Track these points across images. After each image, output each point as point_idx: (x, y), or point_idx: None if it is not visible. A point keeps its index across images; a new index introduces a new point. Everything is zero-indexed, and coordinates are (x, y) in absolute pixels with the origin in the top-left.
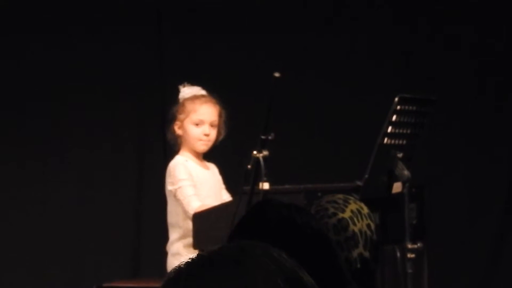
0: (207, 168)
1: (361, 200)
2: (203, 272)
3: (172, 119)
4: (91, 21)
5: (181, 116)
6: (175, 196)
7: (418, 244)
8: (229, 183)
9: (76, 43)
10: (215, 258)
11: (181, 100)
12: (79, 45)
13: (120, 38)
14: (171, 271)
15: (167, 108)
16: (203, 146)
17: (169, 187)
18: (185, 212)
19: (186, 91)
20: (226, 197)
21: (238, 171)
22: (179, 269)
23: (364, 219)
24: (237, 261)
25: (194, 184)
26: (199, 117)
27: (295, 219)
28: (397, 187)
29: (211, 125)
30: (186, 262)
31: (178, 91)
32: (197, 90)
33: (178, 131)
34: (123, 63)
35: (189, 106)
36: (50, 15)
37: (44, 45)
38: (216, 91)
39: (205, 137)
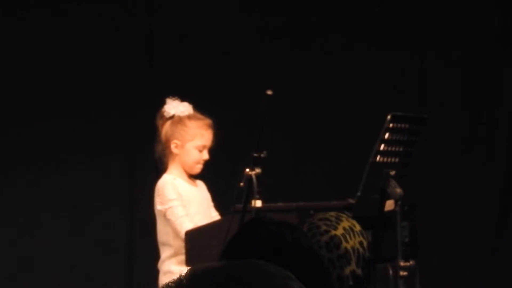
0: (196, 185)
1: (354, 218)
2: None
3: (168, 136)
4: (83, 43)
5: (183, 137)
6: (165, 216)
7: (410, 262)
8: (221, 201)
9: (68, 65)
10: (233, 275)
11: (175, 117)
12: (71, 66)
13: (111, 60)
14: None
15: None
16: (199, 169)
17: (158, 206)
18: (177, 233)
19: (180, 108)
20: (214, 215)
21: (230, 189)
22: (186, 285)
23: (357, 236)
24: (260, 280)
25: (184, 204)
26: (204, 143)
27: (285, 237)
28: (389, 205)
29: (208, 149)
30: (188, 277)
31: (164, 103)
32: (189, 108)
33: (175, 150)
34: (115, 84)
35: (194, 129)
36: (43, 38)
37: (37, 66)
38: (208, 109)
39: (202, 161)
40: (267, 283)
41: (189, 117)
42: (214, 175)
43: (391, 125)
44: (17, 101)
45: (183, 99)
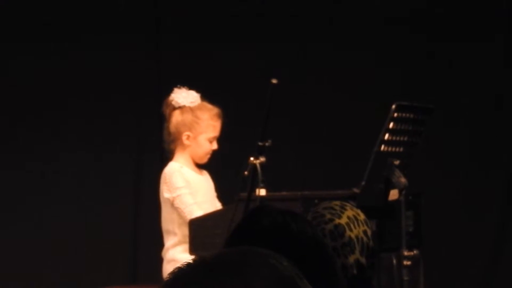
0: (201, 173)
1: (358, 207)
2: (203, 279)
3: (178, 127)
4: (90, 28)
5: (196, 130)
6: (173, 204)
7: (415, 252)
8: (225, 190)
9: (75, 50)
10: (215, 264)
11: (185, 107)
12: (77, 51)
13: (118, 45)
14: (168, 276)
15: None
16: (208, 159)
17: (165, 194)
18: (186, 221)
19: (189, 98)
20: (218, 205)
21: (234, 178)
22: (177, 274)
23: (361, 225)
24: (237, 270)
25: (192, 192)
26: (216, 134)
27: (290, 225)
28: (393, 194)
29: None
30: (183, 266)
31: (171, 91)
32: (197, 97)
33: (186, 142)
34: (121, 70)
35: (206, 121)
36: (50, 22)
37: (43, 52)
38: (213, 98)
39: (211, 151)
40: (242, 274)
41: (200, 108)
42: (218, 164)
43: (396, 114)
44: (23, 86)
45: (187, 85)
